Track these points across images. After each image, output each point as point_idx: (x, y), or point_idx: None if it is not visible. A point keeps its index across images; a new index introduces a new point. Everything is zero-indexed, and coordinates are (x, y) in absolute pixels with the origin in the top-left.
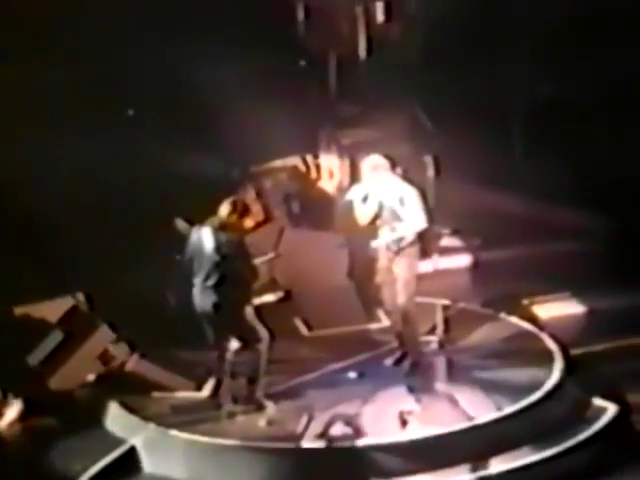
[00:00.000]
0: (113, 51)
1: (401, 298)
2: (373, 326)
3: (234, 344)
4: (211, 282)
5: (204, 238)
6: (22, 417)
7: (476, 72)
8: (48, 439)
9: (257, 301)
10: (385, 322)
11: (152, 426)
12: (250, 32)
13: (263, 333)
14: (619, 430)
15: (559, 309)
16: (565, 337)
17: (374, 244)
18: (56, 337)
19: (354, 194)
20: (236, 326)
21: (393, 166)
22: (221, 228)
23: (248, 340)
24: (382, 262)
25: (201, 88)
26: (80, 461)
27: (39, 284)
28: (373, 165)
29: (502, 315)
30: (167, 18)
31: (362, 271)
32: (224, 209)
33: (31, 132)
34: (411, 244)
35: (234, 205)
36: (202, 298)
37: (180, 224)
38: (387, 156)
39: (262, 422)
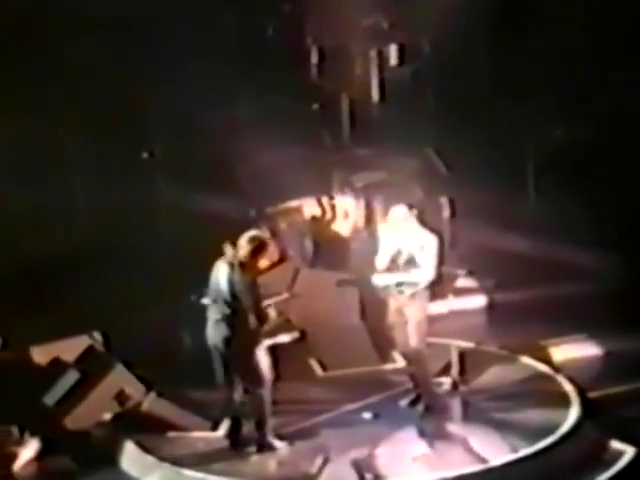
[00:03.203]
0: (129, 94)
1: (413, 339)
2: (388, 367)
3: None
4: (219, 316)
5: (220, 272)
6: (38, 457)
7: (491, 115)
8: (64, 479)
9: (272, 341)
10: (400, 363)
11: (167, 466)
12: (265, 76)
13: (266, 376)
14: (637, 473)
15: (575, 351)
16: (581, 379)
17: (377, 280)
18: (72, 377)
19: (383, 246)
20: (242, 367)
21: (411, 210)
22: (239, 265)
23: (251, 382)
24: (393, 304)
25: (217, 130)
26: None
27: (56, 323)
28: (403, 216)
29: (517, 356)
30: (183, 60)
31: (374, 312)
32: (243, 245)
33: (48, 175)
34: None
35: (252, 240)
36: (213, 331)
37: (228, 249)
38: (409, 205)
39: (276, 463)
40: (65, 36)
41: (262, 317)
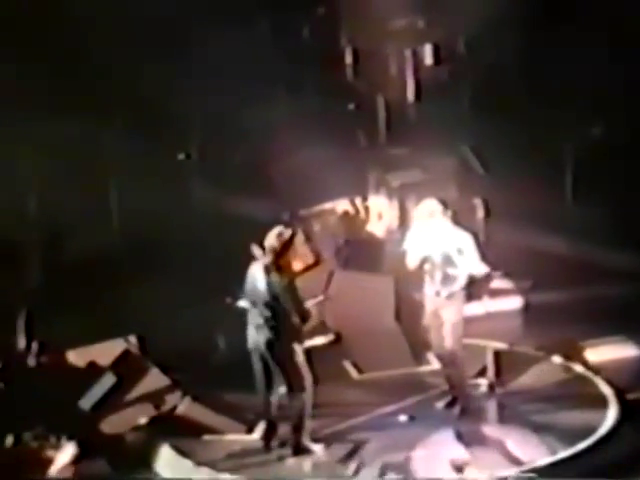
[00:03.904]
0: (166, 95)
1: (448, 341)
2: (423, 369)
3: (282, 388)
4: (261, 320)
5: (257, 276)
6: (75, 461)
7: (527, 115)
8: None
9: (307, 344)
10: (435, 365)
11: (204, 470)
12: (300, 77)
13: (307, 379)
14: None
15: (612, 352)
16: (619, 381)
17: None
18: (108, 380)
19: (410, 243)
20: (284, 369)
21: (446, 209)
22: (275, 266)
23: (294, 385)
24: (429, 306)
25: (252, 132)
26: None
27: (92, 327)
28: (429, 212)
29: (554, 358)
30: (219, 62)
31: (409, 313)
32: (272, 243)
33: (85, 179)
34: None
35: (279, 236)
36: (255, 335)
37: (256, 250)
38: (441, 200)
39: (311, 465)
40: (105, 38)
41: (305, 315)
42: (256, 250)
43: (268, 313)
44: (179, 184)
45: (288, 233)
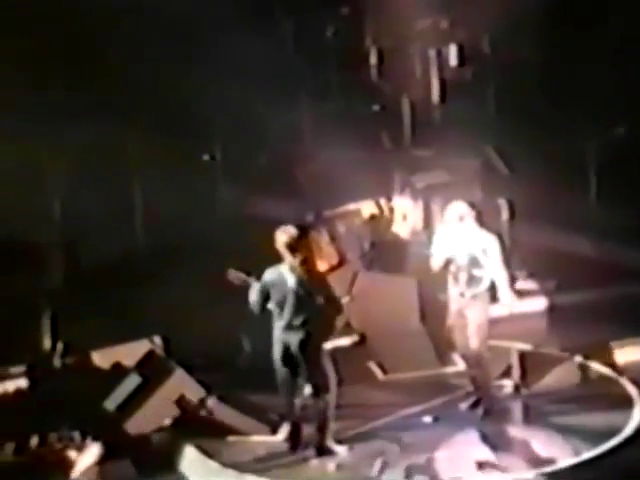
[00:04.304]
0: (191, 97)
1: (473, 342)
2: (448, 370)
3: (307, 389)
4: (298, 321)
5: (285, 276)
6: (99, 462)
7: (551, 115)
8: None
9: (332, 344)
10: (460, 366)
11: (229, 471)
12: (325, 78)
13: (332, 380)
14: None
15: (638, 353)
16: None
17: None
18: (133, 381)
19: (436, 245)
20: (312, 369)
21: (472, 211)
22: (301, 265)
23: (320, 387)
24: (453, 306)
25: (277, 133)
26: None
27: (116, 328)
28: (459, 215)
29: (579, 359)
30: (244, 64)
31: (434, 314)
32: (284, 239)
33: (108, 181)
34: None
35: (285, 231)
36: (284, 336)
37: (233, 274)
38: (469, 203)
39: (335, 467)
40: (129, 40)
41: (339, 307)
42: (233, 274)
43: (302, 312)
44: (203, 185)
45: (292, 229)
